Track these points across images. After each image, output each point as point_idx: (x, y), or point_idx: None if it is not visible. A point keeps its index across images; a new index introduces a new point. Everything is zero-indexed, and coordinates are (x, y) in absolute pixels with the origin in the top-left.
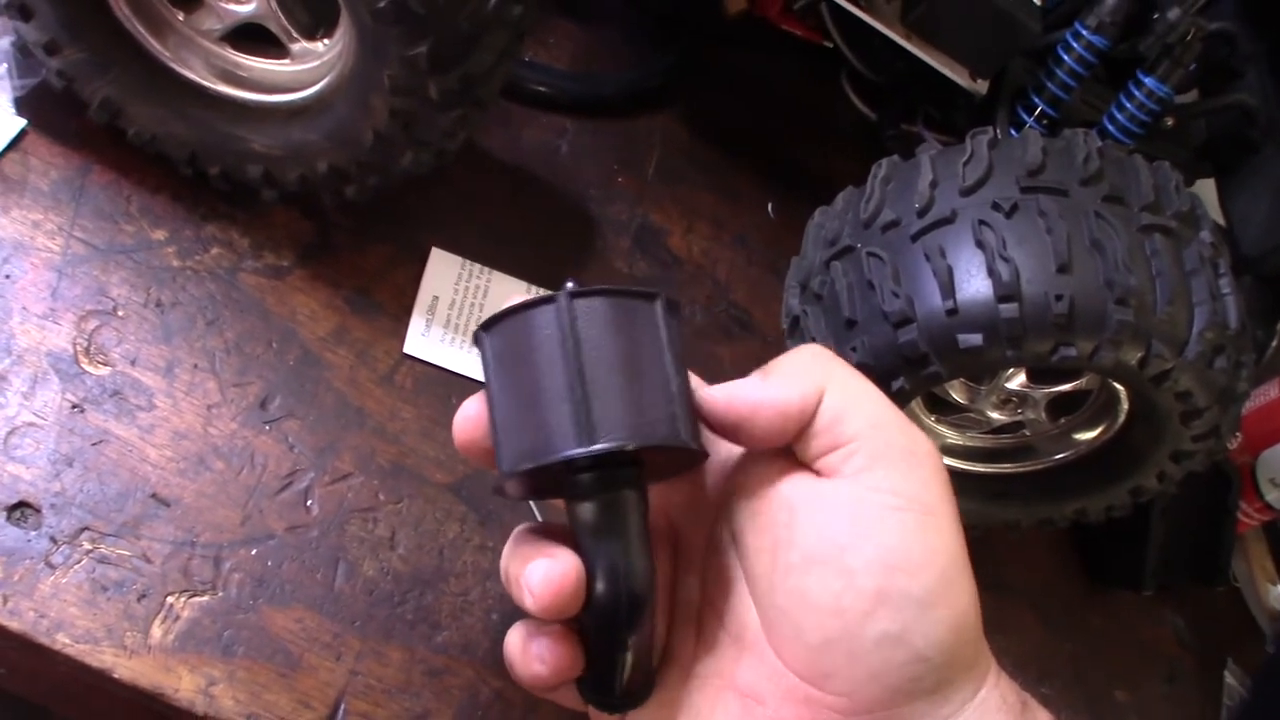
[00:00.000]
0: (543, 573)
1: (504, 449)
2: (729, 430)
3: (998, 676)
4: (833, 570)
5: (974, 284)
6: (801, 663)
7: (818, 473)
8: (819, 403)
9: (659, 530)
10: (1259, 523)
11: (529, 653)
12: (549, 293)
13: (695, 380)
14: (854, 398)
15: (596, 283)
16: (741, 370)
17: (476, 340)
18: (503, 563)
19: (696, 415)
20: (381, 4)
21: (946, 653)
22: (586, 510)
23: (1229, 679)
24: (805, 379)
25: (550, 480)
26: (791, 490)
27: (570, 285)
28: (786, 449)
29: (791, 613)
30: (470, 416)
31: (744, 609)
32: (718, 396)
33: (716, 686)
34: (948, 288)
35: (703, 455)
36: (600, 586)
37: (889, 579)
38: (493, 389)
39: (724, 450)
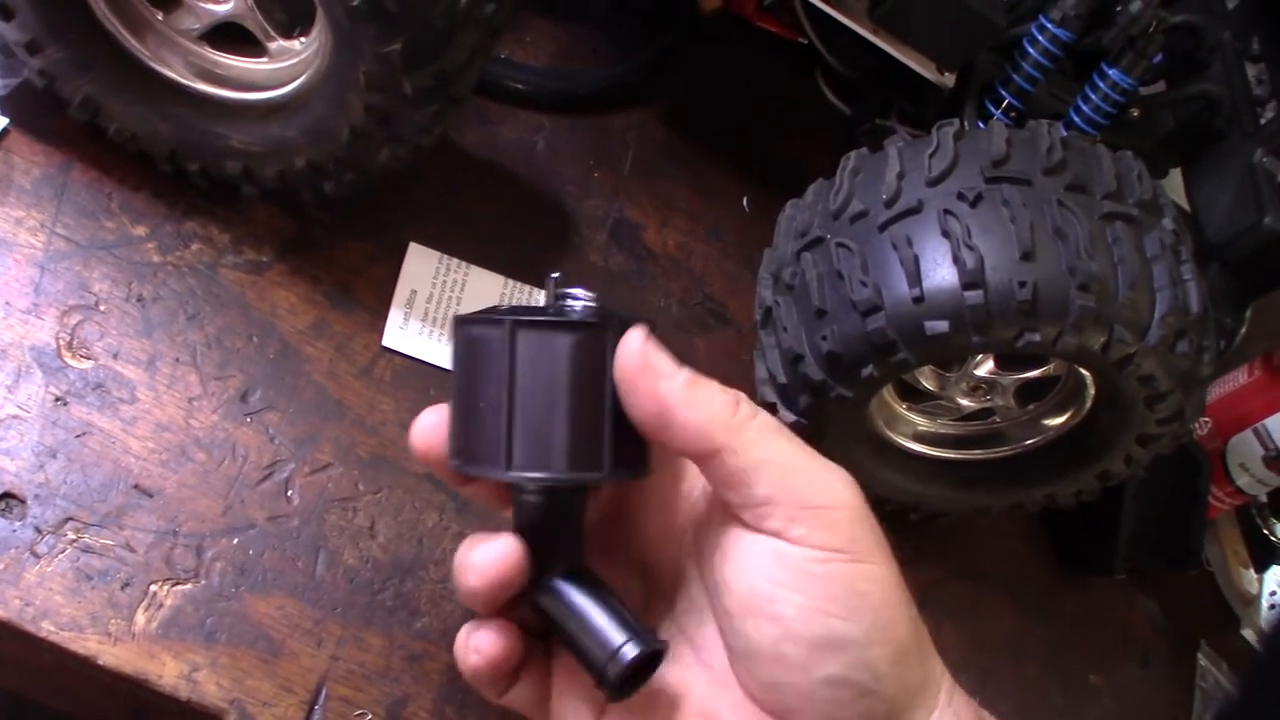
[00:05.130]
0: (482, 549)
1: (452, 442)
2: (623, 395)
3: (951, 694)
4: (766, 618)
5: (940, 272)
6: (761, 698)
7: (741, 522)
8: (716, 456)
9: (628, 557)
10: (1230, 507)
11: (467, 645)
12: (513, 306)
13: (637, 334)
14: (760, 461)
15: (574, 277)
16: (717, 362)
17: (453, 330)
18: (455, 561)
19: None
20: (356, 2)
21: (893, 683)
22: (523, 503)
23: (1203, 662)
24: (707, 432)
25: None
26: (725, 537)
27: (542, 291)
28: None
29: (741, 654)
30: (427, 426)
31: (713, 639)
32: (630, 366)
33: (684, 713)
34: (914, 276)
35: (645, 473)
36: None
37: (823, 625)
38: (454, 383)
39: (694, 486)
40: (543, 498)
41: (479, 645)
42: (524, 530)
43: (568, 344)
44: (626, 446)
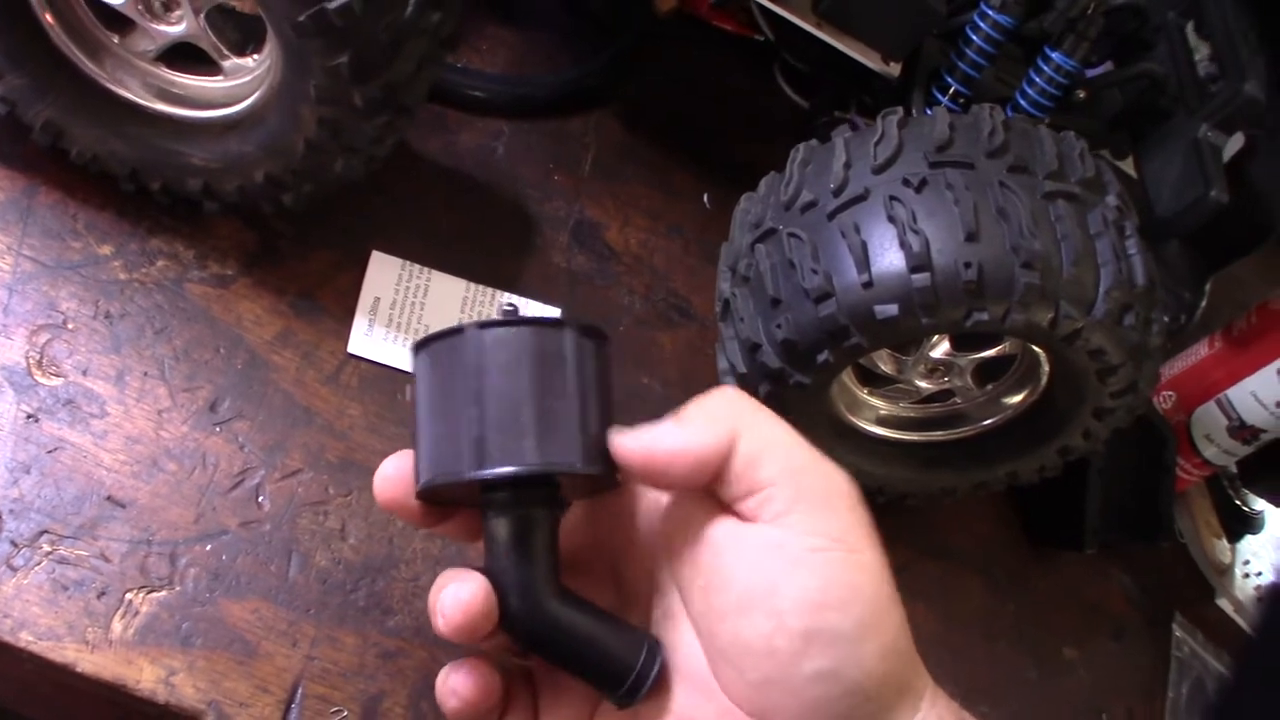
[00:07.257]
0: (452, 594)
1: (419, 463)
2: (647, 479)
3: (934, 697)
4: (762, 612)
5: (887, 257)
6: (745, 700)
7: (739, 516)
8: (733, 448)
9: (600, 570)
10: (1198, 479)
11: (445, 687)
12: (486, 319)
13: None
14: (768, 443)
15: (534, 279)
16: (682, 357)
17: (413, 355)
18: (429, 599)
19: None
20: (302, 18)
21: (880, 681)
22: (496, 526)
23: (1178, 632)
24: (720, 424)
25: (467, 495)
26: (717, 533)
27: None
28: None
29: (730, 653)
30: (389, 476)
31: (691, 646)
32: (633, 448)
33: None
34: (863, 262)
35: (613, 481)
36: (510, 602)
37: (817, 618)
38: (417, 405)
39: (662, 495)
40: (518, 513)
41: (456, 688)
42: (501, 556)
43: (530, 339)
44: (599, 449)
